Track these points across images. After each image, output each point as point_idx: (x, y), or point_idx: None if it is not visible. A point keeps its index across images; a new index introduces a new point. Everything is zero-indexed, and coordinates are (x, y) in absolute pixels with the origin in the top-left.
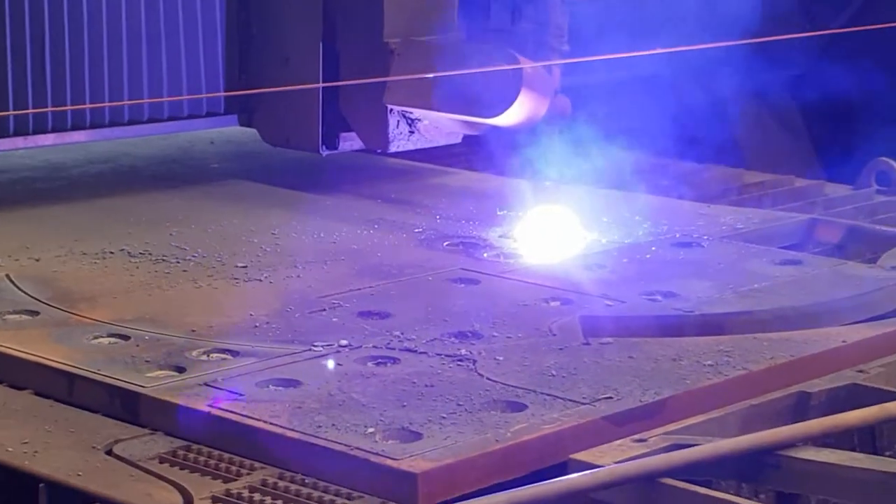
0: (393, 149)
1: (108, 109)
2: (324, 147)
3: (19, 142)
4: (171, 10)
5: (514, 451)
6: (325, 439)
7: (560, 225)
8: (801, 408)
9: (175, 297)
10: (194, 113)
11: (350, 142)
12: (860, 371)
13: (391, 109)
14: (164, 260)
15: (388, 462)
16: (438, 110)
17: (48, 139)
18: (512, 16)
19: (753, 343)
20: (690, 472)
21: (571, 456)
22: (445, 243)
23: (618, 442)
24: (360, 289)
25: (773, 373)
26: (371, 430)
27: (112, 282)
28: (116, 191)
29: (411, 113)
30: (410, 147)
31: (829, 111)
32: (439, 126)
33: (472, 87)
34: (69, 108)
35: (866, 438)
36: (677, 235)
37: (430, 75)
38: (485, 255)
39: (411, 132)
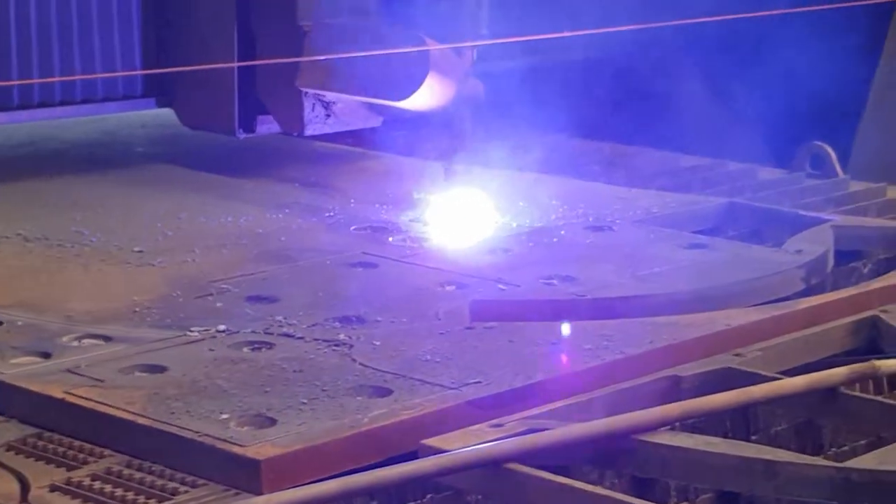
0: (309, 132)
1: (17, 90)
2: (240, 130)
3: None
4: None
5: (368, 438)
6: (176, 426)
7: (473, 209)
8: (671, 392)
9: (61, 282)
10: (110, 95)
11: (268, 125)
12: (737, 355)
13: (306, 93)
14: (59, 245)
15: (234, 449)
16: (347, 93)
17: None
18: None
19: (638, 327)
20: (538, 457)
21: (422, 441)
22: (353, 227)
23: (475, 427)
24: (253, 273)
25: (651, 357)
26: (225, 416)
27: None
28: (31, 174)
29: (324, 96)
30: (327, 130)
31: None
32: (356, 110)
33: (380, 70)
34: None
35: (739, 422)
36: (590, 219)
37: (332, 56)
38: (390, 239)
39: (328, 115)
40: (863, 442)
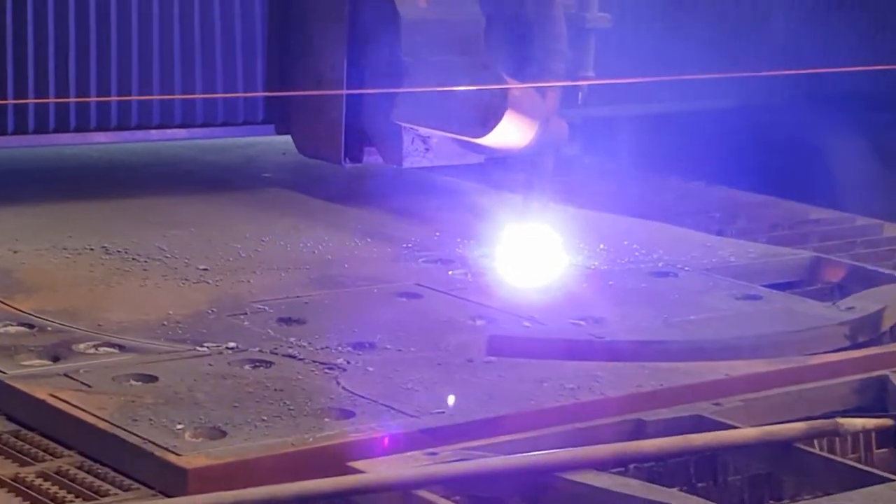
0: (407, 164)
1: (136, 112)
2: (347, 160)
3: (37, 139)
4: (208, 21)
5: (307, 456)
6: (126, 431)
7: (547, 248)
8: (635, 436)
9: (112, 293)
10: (230, 120)
11: (374, 156)
12: (716, 404)
13: (406, 126)
14: (133, 259)
15: (168, 457)
16: (433, 128)
17: (66, 138)
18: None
19: (634, 370)
20: (453, 485)
21: (349, 463)
22: (421, 259)
23: (409, 454)
24: (298, 297)
25: (630, 400)
26: (181, 426)
27: (66, 276)
28: (149, 192)
29: (419, 130)
30: (426, 164)
31: None
32: (453, 145)
33: (461, 107)
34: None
35: (707, 467)
36: (660, 265)
37: (411, 90)
38: (450, 272)
39: (427, 149)
40: (823, 498)
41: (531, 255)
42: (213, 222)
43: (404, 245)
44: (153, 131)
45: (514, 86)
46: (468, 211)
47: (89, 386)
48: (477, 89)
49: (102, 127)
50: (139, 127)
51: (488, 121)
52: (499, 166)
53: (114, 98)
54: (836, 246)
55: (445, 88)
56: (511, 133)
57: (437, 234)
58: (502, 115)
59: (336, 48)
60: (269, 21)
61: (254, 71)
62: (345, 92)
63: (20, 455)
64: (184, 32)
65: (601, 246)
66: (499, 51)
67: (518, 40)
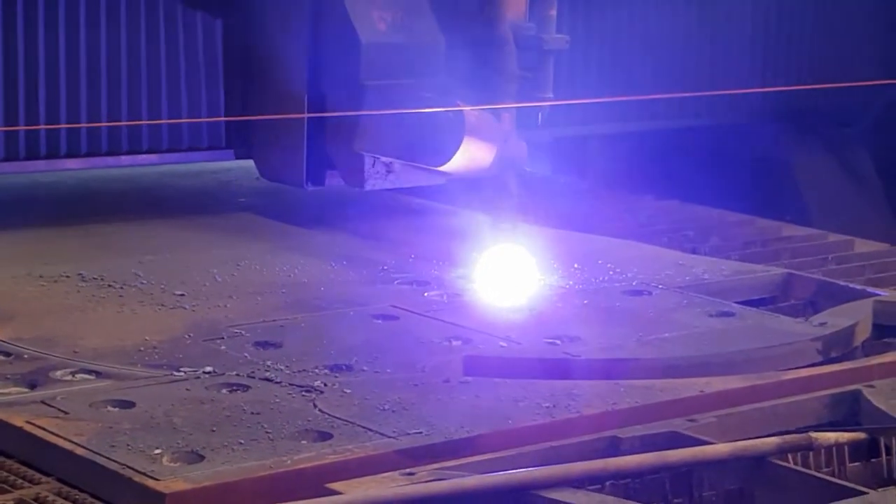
0: (368, 187)
1: (106, 138)
2: (309, 183)
3: (7, 167)
4: (172, 45)
5: (285, 478)
6: (104, 457)
7: (522, 268)
8: (609, 453)
9: (88, 320)
10: (195, 145)
11: (337, 178)
12: (691, 420)
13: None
14: (109, 286)
15: (147, 482)
16: (395, 157)
17: (39, 165)
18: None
19: (610, 388)
20: None
21: (327, 485)
22: (397, 281)
23: (386, 475)
24: (274, 320)
25: (605, 418)
26: (159, 451)
27: (42, 303)
28: (123, 218)
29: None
30: (388, 186)
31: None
32: (416, 168)
33: (420, 135)
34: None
35: (682, 483)
36: (633, 283)
37: (367, 120)
38: (426, 294)
39: (388, 171)
40: None
41: (506, 275)
42: (189, 248)
43: (380, 267)
44: (123, 157)
45: (467, 107)
46: (441, 232)
47: (66, 413)
48: (433, 118)
49: (73, 154)
50: (109, 153)
51: (447, 148)
52: (464, 185)
53: (84, 125)
54: (808, 262)
55: (404, 111)
56: (470, 158)
57: (412, 256)
58: (460, 141)
59: (296, 71)
60: (230, 46)
61: (216, 96)
62: (306, 115)
63: None
64: (150, 60)
65: (575, 265)
66: (456, 73)
67: (471, 62)
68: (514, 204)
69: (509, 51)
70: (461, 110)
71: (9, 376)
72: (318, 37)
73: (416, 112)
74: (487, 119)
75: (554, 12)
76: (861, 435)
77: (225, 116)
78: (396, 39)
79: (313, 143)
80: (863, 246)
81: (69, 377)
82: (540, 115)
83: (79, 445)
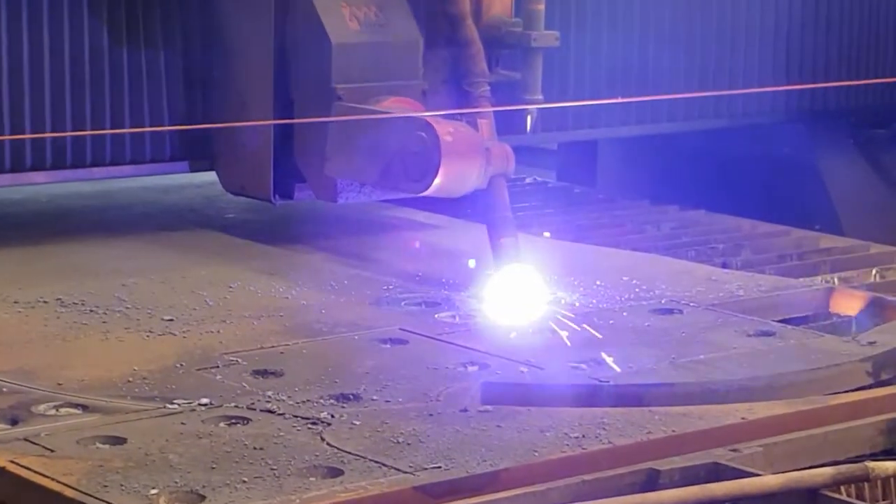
0: (341, 201)
1: (70, 151)
2: (276, 196)
3: None
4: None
5: None
6: (98, 499)
7: (541, 287)
8: (649, 486)
9: (71, 349)
10: (158, 157)
11: (307, 192)
12: (733, 450)
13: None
14: (91, 311)
15: None
16: (373, 186)
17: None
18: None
19: (643, 416)
20: None
21: None
22: (404, 302)
23: None
24: (273, 346)
25: (640, 448)
26: (155, 491)
27: (19, 332)
28: (109, 238)
29: None
30: (363, 199)
31: None
32: None
33: (393, 160)
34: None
35: None
36: (662, 301)
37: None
38: (436, 315)
39: (362, 185)
40: None
41: (523, 294)
42: (176, 268)
43: (384, 287)
44: (94, 169)
45: (438, 120)
46: (447, 248)
47: (52, 450)
48: (406, 143)
49: (37, 166)
50: (74, 165)
51: (425, 175)
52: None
53: (48, 134)
54: (852, 276)
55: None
56: (452, 179)
57: (418, 275)
58: (437, 167)
59: (261, 76)
60: (189, 52)
61: (175, 105)
62: (273, 122)
63: None
64: (113, 67)
65: (598, 282)
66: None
67: (441, 67)
68: (510, 212)
69: (475, 51)
70: (435, 132)
71: None
72: (285, 36)
73: (386, 136)
74: (464, 132)
75: (542, 6)
76: None
77: (183, 125)
78: (369, 38)
79: (281, 154)
80: None
81: (53, 412)
82: (529, 118)
83: (68, 486)
